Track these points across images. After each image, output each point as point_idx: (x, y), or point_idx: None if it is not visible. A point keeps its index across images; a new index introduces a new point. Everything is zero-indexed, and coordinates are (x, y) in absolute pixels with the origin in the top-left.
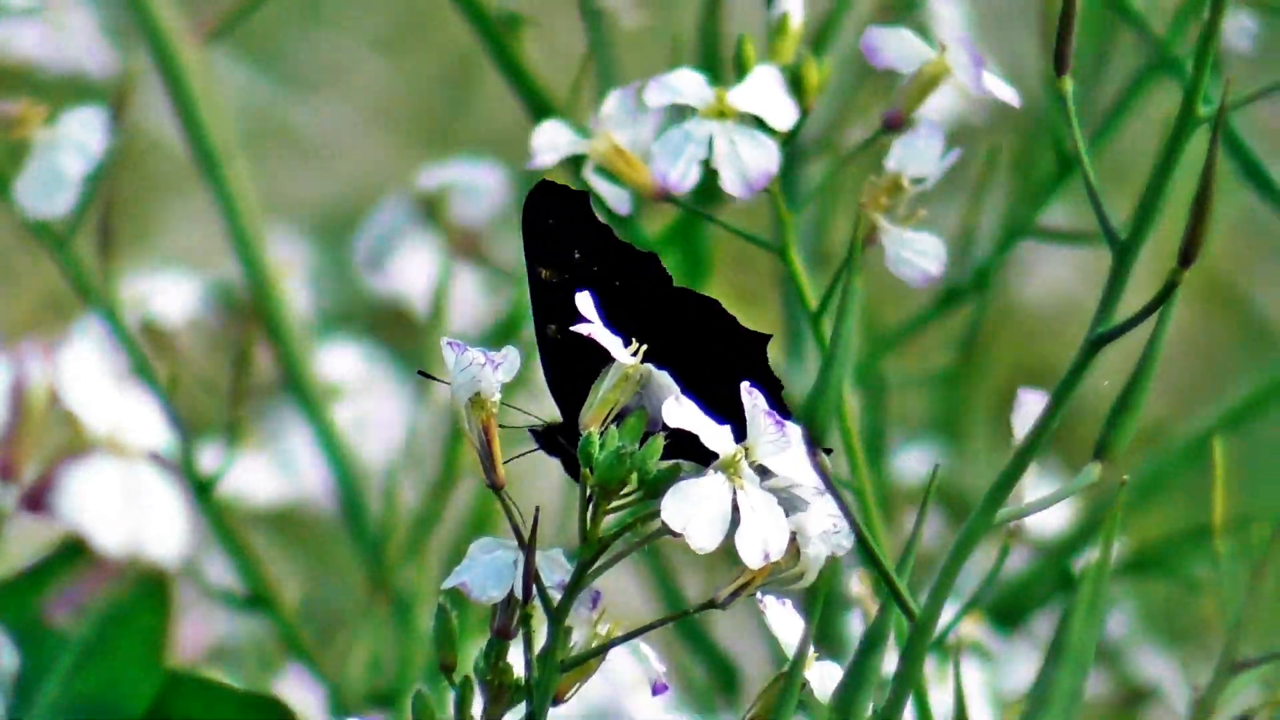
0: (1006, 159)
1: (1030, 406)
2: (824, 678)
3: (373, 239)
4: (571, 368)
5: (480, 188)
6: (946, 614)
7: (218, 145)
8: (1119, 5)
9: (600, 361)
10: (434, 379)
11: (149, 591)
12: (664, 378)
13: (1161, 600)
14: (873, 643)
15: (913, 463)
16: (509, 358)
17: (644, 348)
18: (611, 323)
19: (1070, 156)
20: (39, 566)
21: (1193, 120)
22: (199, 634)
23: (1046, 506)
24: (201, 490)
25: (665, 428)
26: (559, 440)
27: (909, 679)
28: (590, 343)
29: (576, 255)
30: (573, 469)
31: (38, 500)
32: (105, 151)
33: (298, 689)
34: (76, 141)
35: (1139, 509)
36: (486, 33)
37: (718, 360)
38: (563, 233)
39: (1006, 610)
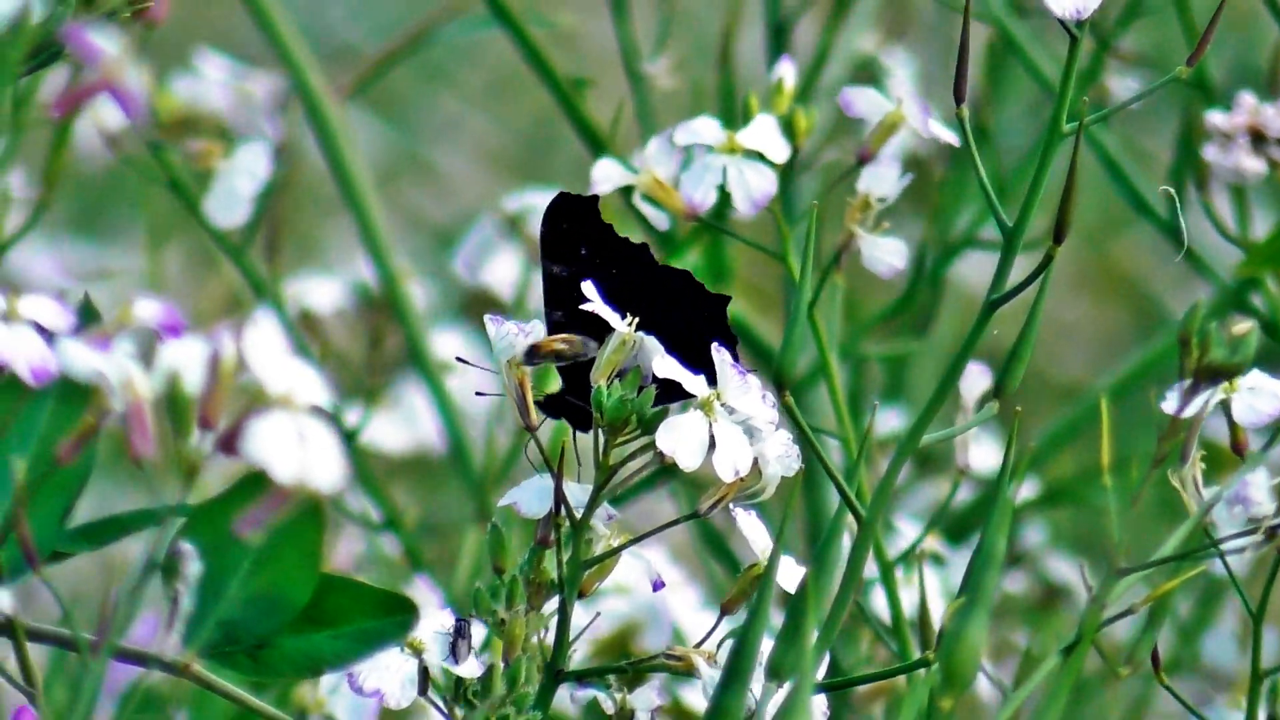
0: (946, 180)
1: (974, 375)
2: (787, 570)
3: (472, 247)
4: None
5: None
6: (913, 532)
7: (355, 178)
8: (1019, 52)
9: (596, 338)
10: (468, 363)
11: (309, 513)
12: (652, 342)
13: (1072, 521)
14: (830, 536)
15: (887, 420)
16: (536, 329)
17: (636, 320)
18: (611, 303)
19: (994, 174)
20: (228, 493)
21: (1058, 135)
22: (347, 549)
23: (951, 436)
24: (348, 439)
25: (655, 380)
26: (564, 402)
27: (857, 560)
28: (590, 322)
29: (583, 251)
30: (578, 424)
31: (229, 444)
32: (271, 178)
33: (420, 591)
34: (249, 169)
35: (1059, 451)
36: (559, 93)
37: (692, 319)
38: (573, 234)
39: (958, 529)
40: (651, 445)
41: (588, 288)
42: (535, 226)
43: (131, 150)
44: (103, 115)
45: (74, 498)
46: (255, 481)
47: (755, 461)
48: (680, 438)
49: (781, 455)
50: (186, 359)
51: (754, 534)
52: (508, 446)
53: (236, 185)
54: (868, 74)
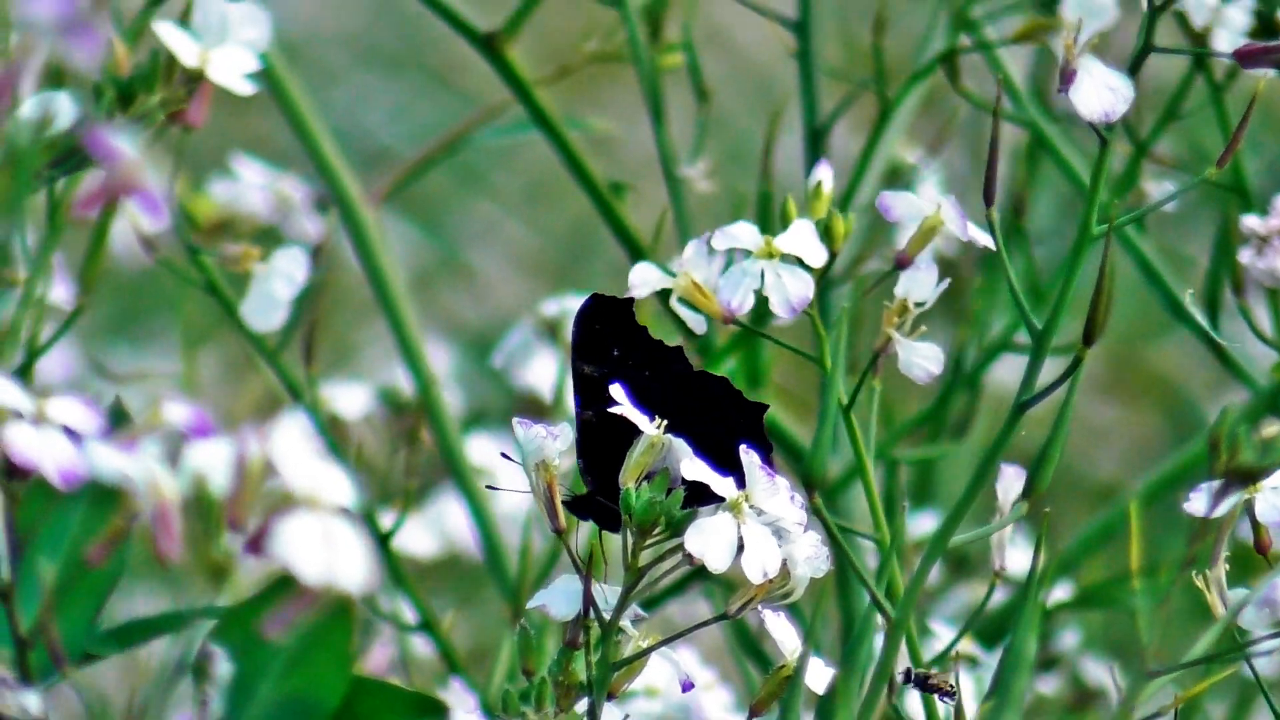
0: (981, 283)
1: (1008, 477)
2: (816, 671)
3: (509, 349)
4: (601, 446)
5: None
6: (948, 635)
7: (390, 283)
8: (1052, 154)
9: (625, 441)
10: (509, 458)
11: (339, 615)
12: (681, 444)
13: (1105, 623)
14: (860, 637)
15: (921, 522)
16: (564, 432)
17: (665, 422)
18: (641, 404)
19: (1031, 277)
20: (258, 595)
21: (1089, 237)
22: (381, 653)
23: (981, 538)
24: (382, 542)
25: (684, 482)
26: (592, 503)
27: (888, 661)
28: (619, 424)
29: (615, 352)
30: (606, 524)
31: (257, 545)
32: (308, 282)
33: (456, 694)
34: (286, 272)
35: (1091, 554)
36: (597, 197)
37: (729, 425)
38: (606, 335)
39: (992, 632)
40: (681, 547)
41: (616, 390)
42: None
43: (168, 253)
44: (139, 218)
45: (104, 600)
46: (284, 584)
47: (784, 563)
48: (709, 540)
49: (810, 557)
50: (213, 460)
51: (783, 635)
52: (544, 549)
53: (274, 289)
54: (901, 178)
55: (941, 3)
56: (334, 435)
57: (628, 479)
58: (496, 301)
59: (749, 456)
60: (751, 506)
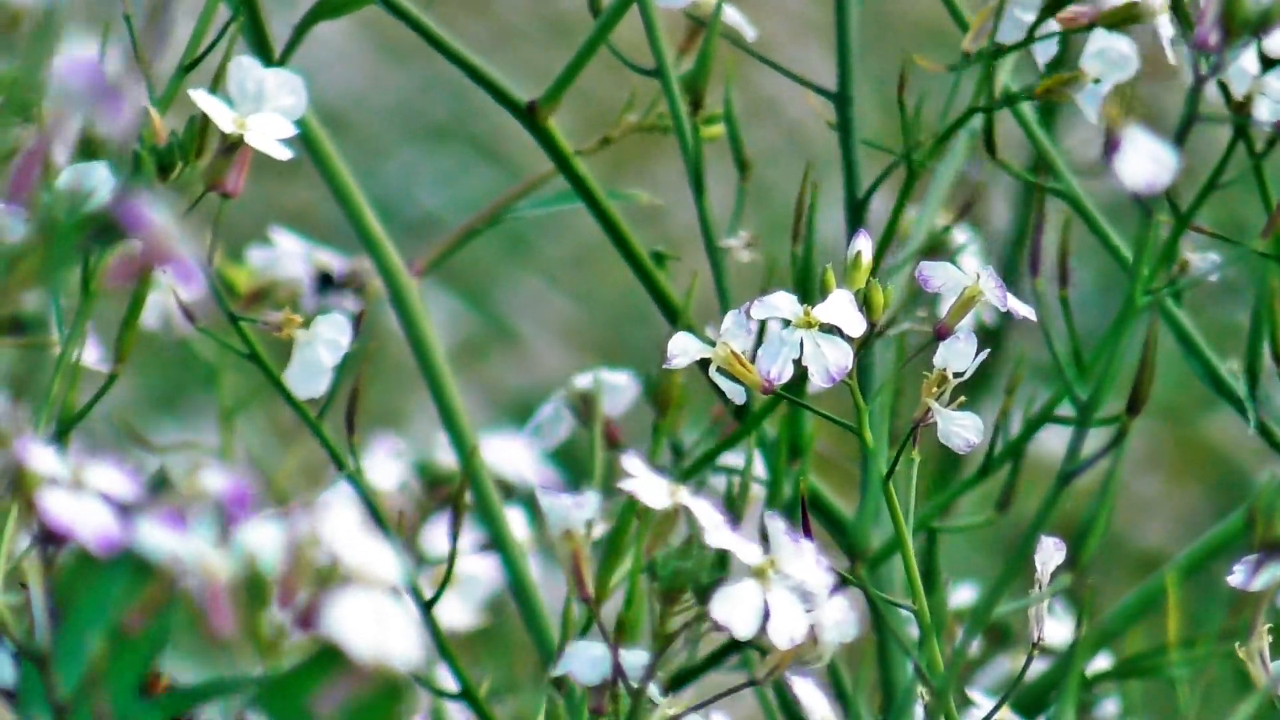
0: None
1: (1048, 548)
2: None
3: (541, 421)
4: None
5: (619, 387)
6: (988, 706)
7: (432, 353)
8: (1093, 226)
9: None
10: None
11: (388, 688)
12: (702, 509)
13: (1146, 694)
14: (902, 707)
15: (962, 593)
16: (589, 501)
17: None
18: None
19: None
20: (302, 666)
21: (1132, 309)
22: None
23: (1024, 609)
24: (425, 610)
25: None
26: None
27: None
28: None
29: None
30: None
31: (307, 621)
32: (351, 349)
33: None
34: (329, 339)
35: (1133, 624)
36: (638, 267)
37: None
38: None
39: (1032, 703)
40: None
41: (632, 461)
42: (607, 402)
43: (207, 322)
44: (176, 287)
45: (147, 668)
46: (330, 656)
47: (812, 628)
48: (734, 607)
49: (838, 621)
50: (264, 540)
51: (812, 702)
52: (583, 615)
53: (317, 355)
54: (940, 248)
55: (967, 66)
56: (374, 504)
57: (649, 549)
58: (542, 370)
59: (773, 521)
60: (777, 571)
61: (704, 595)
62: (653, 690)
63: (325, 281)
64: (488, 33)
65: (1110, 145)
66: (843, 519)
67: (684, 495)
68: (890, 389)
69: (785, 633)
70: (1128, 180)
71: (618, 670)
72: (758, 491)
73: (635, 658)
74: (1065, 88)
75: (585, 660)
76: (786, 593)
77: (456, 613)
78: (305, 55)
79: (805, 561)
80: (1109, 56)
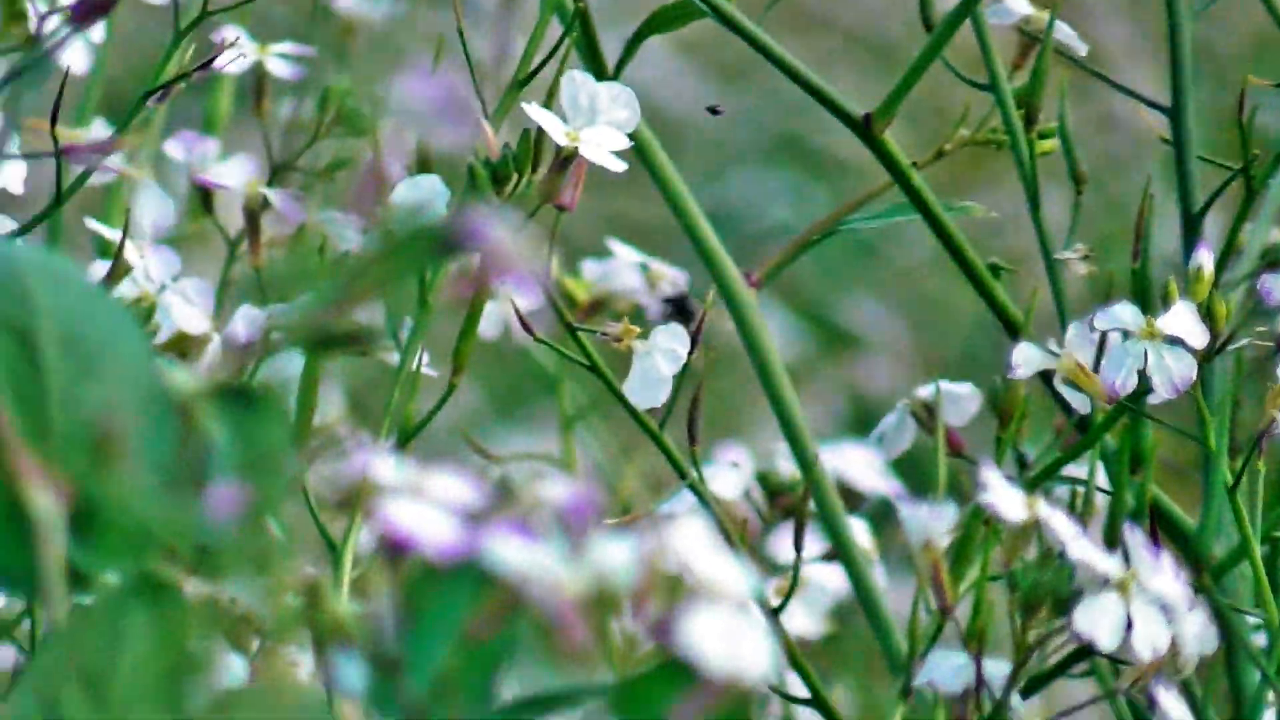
0: None
1: None
2: None
3: (884, 429)
4: None
5: (961, 398)
6: None
7: (771, 365)
8: None
9: None
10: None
11: (738, 705)
12: (1060, 522)
13: None
14: (1252, 713)
15: None
16: (947, 512)
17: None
18: None
19: None
20: (648, 674)
21: None
22: None
23: None
24: (772, 617)
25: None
26: None
27: None
28: None
29: None
30: None
31: (661, 633)
32: (691, 359)
33: None
34: (667, 349)
35: None
36: (975, 280)
37: None
38: None
39: None
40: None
41: (988, 474)
42: (949, 413)
43: (546, 333)
44: (515, 298)
45: (495, 676)
46: (677, 666)
47: (1173, 640)
48: (1097, 619)
49: (1199, 634)
50: (616, 557)
51: (1177, 712)
52: (929, 623)
53: (656, 365)
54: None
55: None
56: (718, 513)
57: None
58: (879, 383)
59: (1133, 535)
60: (1138, 585)
61: (1063, 607)
62: (1013, 699)
63: (676, 307)
64: (809, 53)
65: None
66: (1186, 528)
67: (1041, 507)
68: (1230, 400)
69: (1148, 645)
70: None
71: (980, 679)
72: (1099, 501)
73: (995, 667)
74: None
75: (947, 669)
76: (1147, 605)
77: (803, 621)
78: (635, 74)
79: (1164, 574)
80: None
